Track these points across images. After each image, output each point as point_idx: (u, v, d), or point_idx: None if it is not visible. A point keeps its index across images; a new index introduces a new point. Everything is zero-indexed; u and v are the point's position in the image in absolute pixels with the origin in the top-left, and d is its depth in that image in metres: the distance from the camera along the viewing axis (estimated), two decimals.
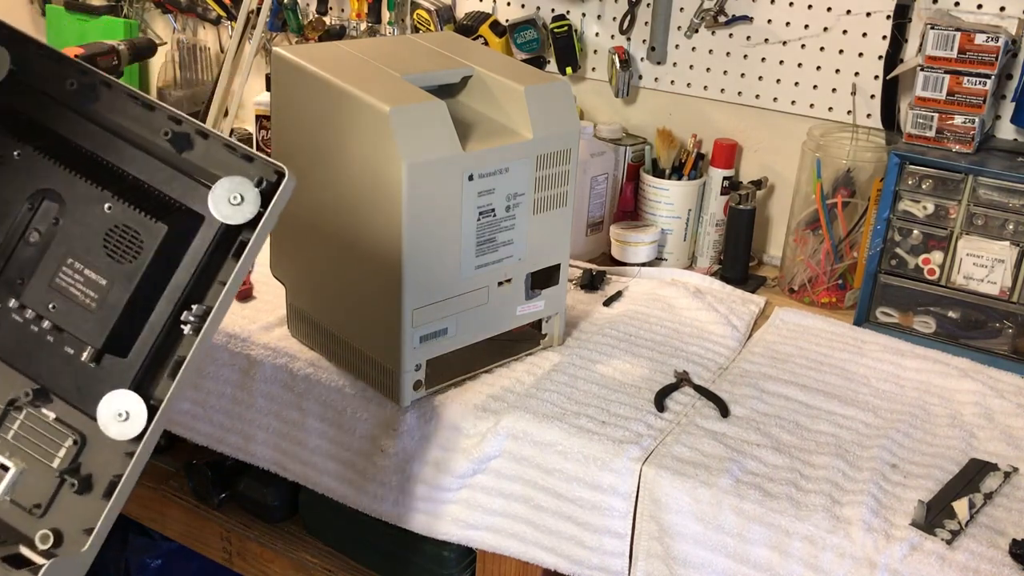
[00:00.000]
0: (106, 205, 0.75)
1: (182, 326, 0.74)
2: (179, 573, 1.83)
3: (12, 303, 0.77)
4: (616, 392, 1.16)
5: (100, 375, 0.75)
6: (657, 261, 1.56)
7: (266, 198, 0.74)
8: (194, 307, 0.74)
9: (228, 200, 0.73)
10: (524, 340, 1.24)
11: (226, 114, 1.66)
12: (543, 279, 1.20)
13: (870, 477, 1.01)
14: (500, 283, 1.15)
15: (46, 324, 0.77)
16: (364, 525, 1.24)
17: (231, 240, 0.75)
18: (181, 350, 0.75)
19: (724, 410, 1.13)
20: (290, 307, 1.26)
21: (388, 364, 1.12)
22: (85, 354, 0.75)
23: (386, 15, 1.82)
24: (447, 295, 1.10)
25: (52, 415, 0.76)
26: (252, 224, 0.73)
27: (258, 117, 1.77)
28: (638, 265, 1.53)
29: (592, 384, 1.17)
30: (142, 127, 0.78)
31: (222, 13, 1.93)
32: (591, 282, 1.44)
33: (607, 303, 1.39)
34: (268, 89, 1.66)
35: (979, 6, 1.35)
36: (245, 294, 1.38)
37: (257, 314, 1.31)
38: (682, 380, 1.18)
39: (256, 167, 0.75)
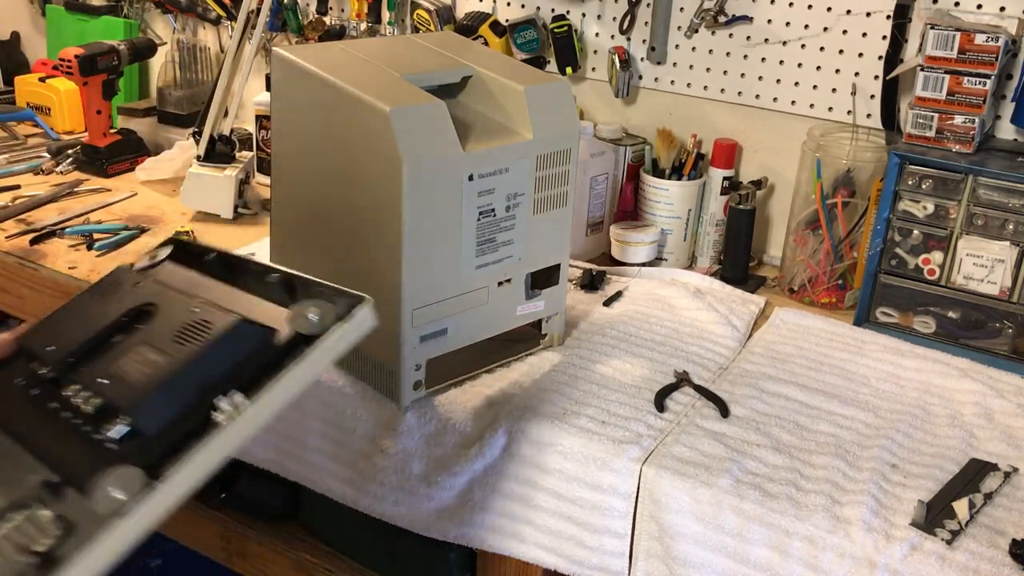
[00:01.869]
0: (194, 306, 0.77)
1: (213, 412, 0.69)
2: (179, 573, 1.83)
3: (52, 392, 0.74)
4: (616, 392, 1.16)
5: (116, 454, 0.69)
6: (657, 261, 1.56)
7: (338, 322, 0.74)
8: (236, 395, 0.69)
9: (305, 314, 0.75)
10: (524, 340, 1.24)
11: (226, 114, 1.66)
12: (543, 279, 1.20)
13: (870, 477, 1.01)
14: (500, 283, 1.15)
15: (84, 407, 0.72)
16: (364, 525, 1.24)
17: (298, 349, 0.73)
18: (205, 439, 0.68)
19: (724, 410, 1.13)
20: None
21: (388, 364, 1.12)
22: (112, 430, 0.70)
23: (386, 15, 1.82)
24: (447, 295, 1.10)
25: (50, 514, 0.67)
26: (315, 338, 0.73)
27: (258, 117, 1.77)
28: (638, 265, 1.53)
29: (592, 384, 1.17)
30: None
31: (222, 13, 1.93)
32: (591, 282, 1.44)
33: (607, 303, 1.39)
34: (268, 89, 1.66)
35: (979, 6, 1.35)
36: None
37: None
38: (682, 380, 1.18)
39: (342, 301, 0.77)
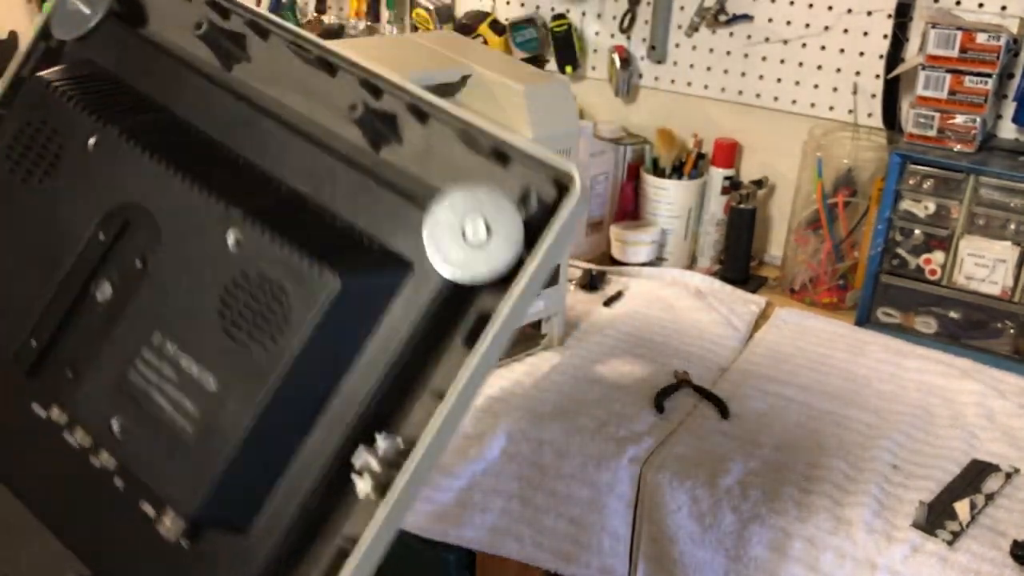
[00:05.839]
0: (231, 235, 0.42)
1: (353, 476, 0.40)
2: None
3: (54, 413, 0.46)
4: (616, 393, 1.15)
5: (195, 564, 0.42)
6: (657, 261, 1.55)
7: (533, 230, 0.40)
8: (380, 440, 0.40)
9: (462, 233, 0.40)
10: (524, 340, 1.24)
11: None
12: None
13: (871, 478, 1.01)
14: None
15: (105, 458, 0.45)
16: None
17: (458, 309, 0.42)
18: (349, 522, 0.40)
19: (724, 411, 1.12)
20: None
21: None
22: (168, 523, 0.42)
23: (385, 14, 1.81)
24: None
25: None
26: (503, 281, 0.40)
27: None
28: (638, 265, 1.52)
29: (592, 384, 1.17)
30: (313, 101, 0.46)
31: None
32: (591, 282, 1.44)
33: (607, 303, 1.39)
34: None
35: (980, 5, 1.34)
36: None
37: None
38: (682, 381, 1.18)
39: (515, 173, 0.42)
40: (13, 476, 0.48)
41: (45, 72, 0.49)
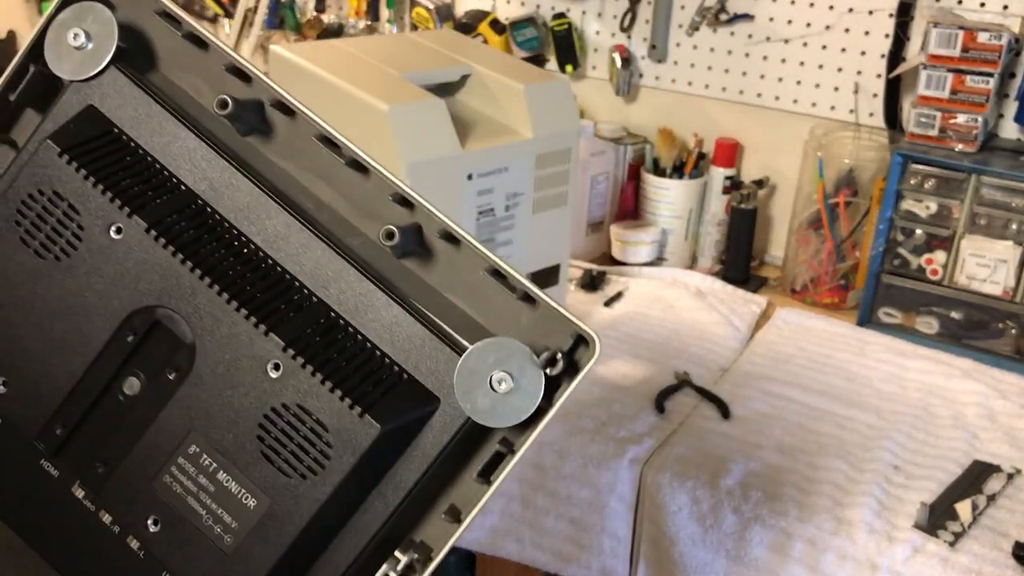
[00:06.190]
0: (271, 364, 0.44)
1: None
2: None
3: (79, 492, 0.47)
4: (616, 393, 1.15)
5: None
6: (658, 261, 1.55)
7: (551, 384, 0.44)
8: (400, 556, 0.47)
9: (488, 382, 0.44)
10: None
11: None
12: (543, 279, 1.19)
13: (872, 479, 1.01)
14: None
15: (135, 545, 0.47)
16: None
17: (476, 443, 0.47)
18: None
19: (725, 411, 1.12)
20: None
21: None
22: None
23: (384, 13, 1.81)
24: None
25: None
26: (521, 425, 0.45)
27: None
28: (639, 265, 1.52)
29: (592, 385, 1.17)
30: (345, 202, 0.46)
31: (220, 11, 1.92)
32: (591, 282, 1.43)
33: (607, 303, 1.39)
34: None
35: (982, 4, 1.34)
36: None
37: None
38: (683, 381, 1.17)
39: (539, 322, 0.45)
40: (12, 515, 0.51)
41: (53, 135, 0.47)
